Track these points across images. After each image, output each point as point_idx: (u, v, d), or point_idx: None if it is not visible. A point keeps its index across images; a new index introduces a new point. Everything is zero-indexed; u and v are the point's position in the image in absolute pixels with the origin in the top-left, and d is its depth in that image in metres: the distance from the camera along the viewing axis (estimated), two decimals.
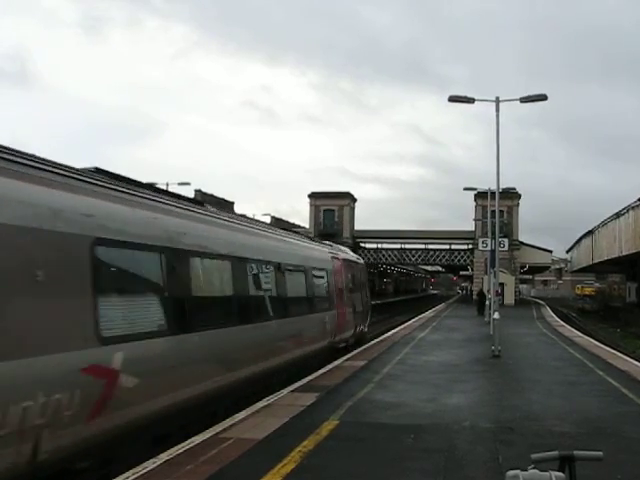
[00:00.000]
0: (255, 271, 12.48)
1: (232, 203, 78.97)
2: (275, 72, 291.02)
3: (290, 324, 14.26)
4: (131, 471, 7.06)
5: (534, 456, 3.11)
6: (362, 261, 26.18)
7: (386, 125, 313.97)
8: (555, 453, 3.12)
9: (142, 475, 6.98)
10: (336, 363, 17.04)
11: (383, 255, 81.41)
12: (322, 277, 18.17)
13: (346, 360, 17.80)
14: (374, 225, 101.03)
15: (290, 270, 14.85)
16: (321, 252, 19.19)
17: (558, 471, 3.03)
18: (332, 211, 77.88)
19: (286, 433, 9.08)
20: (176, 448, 8.09)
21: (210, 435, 8.85)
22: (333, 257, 19.86)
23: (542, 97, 21.11)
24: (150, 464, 7.36)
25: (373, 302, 66.87)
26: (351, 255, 24.37)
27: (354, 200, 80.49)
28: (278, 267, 13.82)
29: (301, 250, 16.84)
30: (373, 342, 23.69)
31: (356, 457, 7.96)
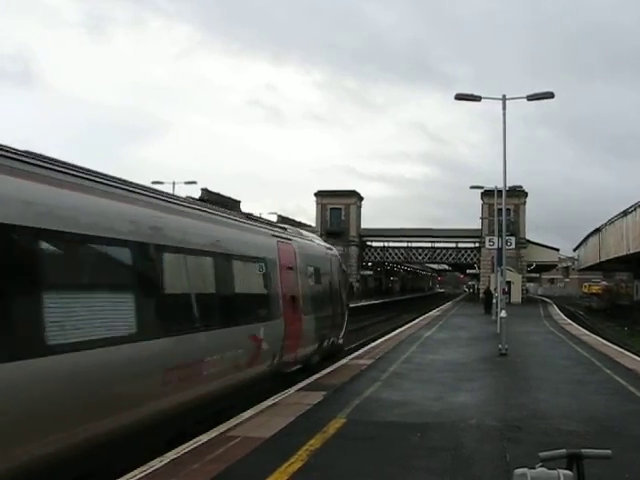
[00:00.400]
0: (90, 255, 7.58)
1: (239, 202, 78.86)
2: (280, 71, 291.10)
3: (172, 347, 8.48)
4: (138, 469, 7.07)
5: (542, 454, 3.10)
6: (335, 251, 19.67)
7: (391, 123, 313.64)
8: (563, 451, 3.10)
9: (149, 474, 6.99)
10: (342, 362, 17.05)
11: (390, 254, 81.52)
12: (257, 270, 12.29)
13: (352, 359, 17.81)
14: (379, 224, 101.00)
15: (182, 258, 9.33)
16: (257, 234, 12.80)
17: (566, 469, 3.02)
18: (339, 210, 77.86)
19: (293, 432, 9.07)
20: (183, 447, 8.09)
21: (216, 434, 8.85)
22: (281, 242, 13.80)
23: (549, 95, 21.10)
24: (157, 463, 7.37)
25: (380, 300, 67.00)
26: (317, 243, 18.25)
27: (360, 199, 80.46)
28: (156, 251, 8.59)
29: (210, 228, 10.52)
30: (379, 341, 23.69)
31: (363, 455, 7.95)
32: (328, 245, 19.43)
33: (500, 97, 21.66)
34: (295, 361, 14.13)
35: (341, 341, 18.91)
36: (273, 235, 13.68)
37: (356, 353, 19.48)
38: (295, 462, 7.47)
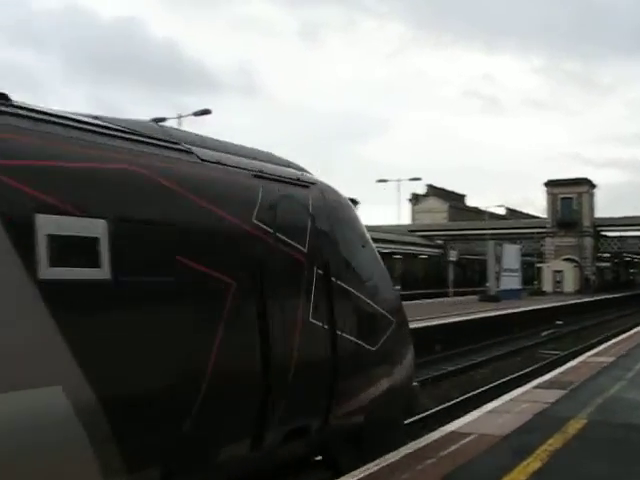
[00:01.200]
0: None
1: (463, 196, 78.37)
2: (495, 60, 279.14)
3: None
4: (376, 461, 7.19)
5: None
6: (330, 193, 7.38)
7: (620, 104, 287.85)
8: None
9: (384, 466, 7.07)
10: (580, 359, 16.23)
11: (628, 244, 76.36)
12: None
13: (591, 356, 16.86)
14: (614, 212, 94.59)
15: None
16: None
17: None
18: (570, 199, 74.23)
19: (530, 430, 8.72)
20: (415, 443, 8.10)
21: (449, 431, 8.76)
22: None
23: None
24: (392, 456, 7.45)
25: (620, 294, 62.51)
26: (238, 165, 6.00)
27: (593, 186, 76.01)
28: None
29: None
30: (622, 337, 22.30)
31: (609, 459, 7.42)
32: (298, 175, 7.02)
33: None
34: None
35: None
36: None
37: (595, 350, 18.43)
38: (533, 462, 7.16)
